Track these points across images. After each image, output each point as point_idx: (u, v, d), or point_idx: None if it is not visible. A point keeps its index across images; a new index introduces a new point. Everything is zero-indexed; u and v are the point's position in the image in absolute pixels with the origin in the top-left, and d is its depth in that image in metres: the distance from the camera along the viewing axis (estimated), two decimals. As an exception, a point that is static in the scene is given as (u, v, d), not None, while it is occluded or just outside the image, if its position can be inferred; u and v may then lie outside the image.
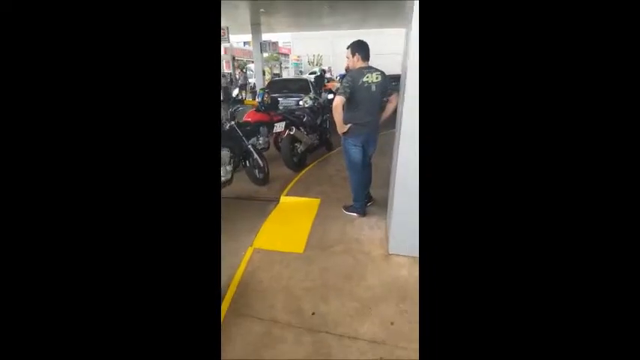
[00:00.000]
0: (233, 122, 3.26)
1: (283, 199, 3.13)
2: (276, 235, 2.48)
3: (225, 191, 3.15)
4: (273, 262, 2.13)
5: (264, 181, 3.52)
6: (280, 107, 5.07)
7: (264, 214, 2.84)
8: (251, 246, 2.33)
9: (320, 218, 2.72)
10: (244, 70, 15.94)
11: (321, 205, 2.96)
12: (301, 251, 2.25)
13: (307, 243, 2.35)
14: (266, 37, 12.83)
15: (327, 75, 13.66)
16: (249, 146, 3.35)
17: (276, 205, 3.04)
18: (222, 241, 2.33)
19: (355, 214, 2.70)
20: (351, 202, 2.75)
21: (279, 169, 3.87)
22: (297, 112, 4.51)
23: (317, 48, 23.03)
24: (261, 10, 9.79)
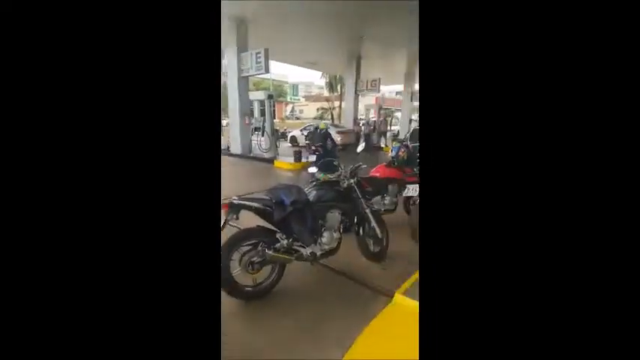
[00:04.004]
0: (352, 180, 2.70)
1: (400, 299, 2.18)
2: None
3: (327, 261, 2.62)
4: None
5: (380, 256, 2.83)
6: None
7: (366, 314, 2.09)
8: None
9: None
10: (388, 118, 15.79)
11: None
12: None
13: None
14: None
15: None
16: (367, 211, 2.75)
17: (387, 305, 2.17)
18: (297, 339, 1.63)
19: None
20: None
21: (402, 243, 3.08)
22: None
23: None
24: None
